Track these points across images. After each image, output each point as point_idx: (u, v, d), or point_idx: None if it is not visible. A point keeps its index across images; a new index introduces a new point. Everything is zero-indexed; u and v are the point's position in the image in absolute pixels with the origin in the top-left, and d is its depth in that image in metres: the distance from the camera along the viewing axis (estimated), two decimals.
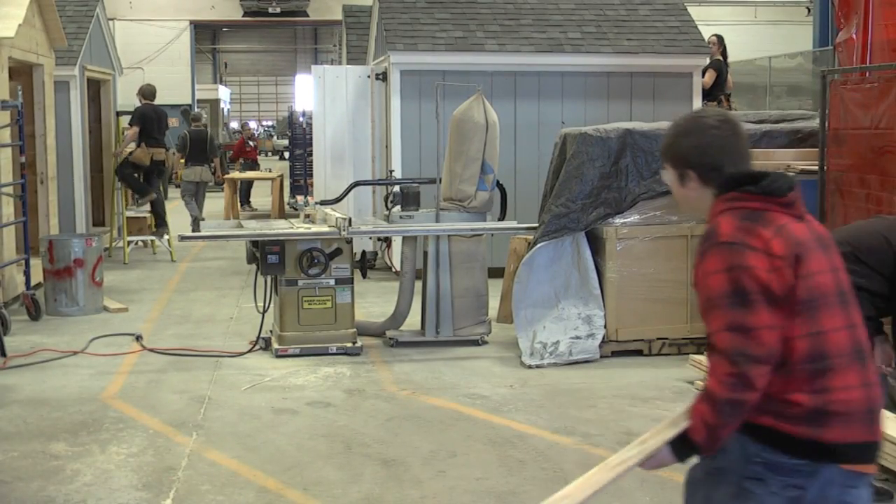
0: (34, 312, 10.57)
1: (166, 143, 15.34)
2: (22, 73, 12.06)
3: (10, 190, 10.61)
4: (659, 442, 3.24)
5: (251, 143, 24.90)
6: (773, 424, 3.15)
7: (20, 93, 10.97)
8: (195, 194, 18.02)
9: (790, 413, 3.13)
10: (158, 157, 14.79)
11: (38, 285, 11.20)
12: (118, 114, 15.83)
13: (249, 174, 23.01)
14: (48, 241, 11.03)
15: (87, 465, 6.25)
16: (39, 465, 6.26)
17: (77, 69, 14.40)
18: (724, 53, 14.12)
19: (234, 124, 52.97)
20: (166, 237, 15.27)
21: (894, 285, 5.08)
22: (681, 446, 3.22)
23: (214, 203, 22.05)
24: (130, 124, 15.00)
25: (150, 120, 14.87)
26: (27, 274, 10.75)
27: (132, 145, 14.81)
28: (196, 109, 20.69)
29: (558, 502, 3.13)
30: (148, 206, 15.19)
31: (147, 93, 15.26)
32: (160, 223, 15.31)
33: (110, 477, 6.05)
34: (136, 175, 14.81)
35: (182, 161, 18.18)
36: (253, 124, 52.13)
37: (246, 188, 23.33)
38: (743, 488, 3.21)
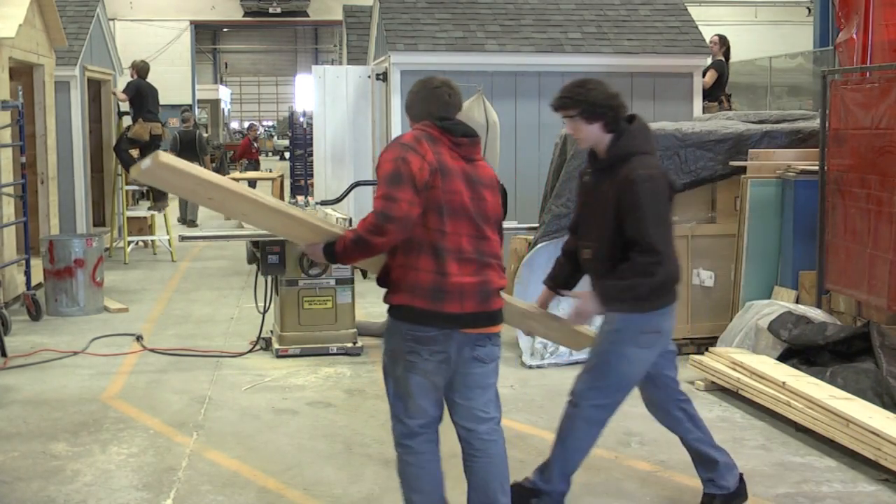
0: (35, 312, 10.57)
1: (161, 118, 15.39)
2: (22, 73, 12.06)
3: (10, 190, 10.62)
4: (319, 239, 4.65)
5: (255, 144, 24.98)
6: (409, 301, 4.48)
7: (21, 93, 10.97)
8: None
9: (417, 291, 4.44)
10: (156, 132, 14.85)
11: (39, 285, 11.20)
12: (120, 114, 15.82)
13: (249, 174, 23.10)
14: (48, 241, 11.03)
15: (88, 465, 6.25)
16: (40, 465, 6.26)
17: (77, 69, 14.40)
18: (726, 54, 14.10)
19: (235, 124, 53.01)
20: (166, 237, 15.29)
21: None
22: (328, 250, 4.58)
23: None
24: (124, 92, 15.14)
25: (144, 95, 14.93)
26: (28, 274, 10.75)
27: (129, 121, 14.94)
28: (186, 111, 20.85)
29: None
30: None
31: (141, 69, 15.30)
32: (159, 196, 15.32)
33: (111, 477, 6.05)
34: (132, 154, 14.86)
35: None
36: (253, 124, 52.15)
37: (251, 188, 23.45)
38: (408, 361, 4.54)
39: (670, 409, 5.56)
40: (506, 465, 4.76)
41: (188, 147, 19.08)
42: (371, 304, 10.96)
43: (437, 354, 4.49)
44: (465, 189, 4.49)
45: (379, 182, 4.43)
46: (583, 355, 8.60)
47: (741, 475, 5.60)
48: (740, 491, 5.55)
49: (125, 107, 15.40)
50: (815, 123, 9.13)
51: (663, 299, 5.10)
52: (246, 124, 52.87)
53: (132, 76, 15.27)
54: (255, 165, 24.75)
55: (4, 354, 8.96)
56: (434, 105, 4.64)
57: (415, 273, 4.45)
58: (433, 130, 4.55)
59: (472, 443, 4.69)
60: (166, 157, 4.37)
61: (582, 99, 5.03)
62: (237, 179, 21.21)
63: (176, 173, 4.39)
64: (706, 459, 5.52)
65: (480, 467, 4.70)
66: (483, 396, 4.67)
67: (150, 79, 15.37)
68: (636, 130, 5.07)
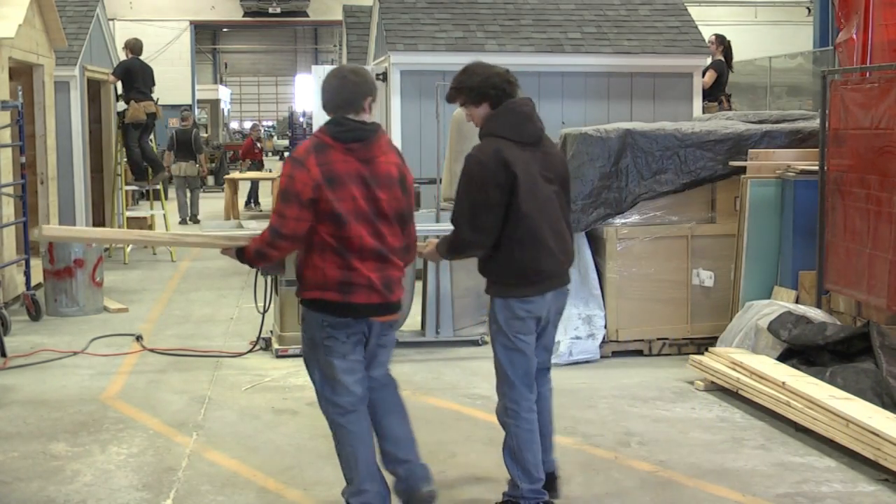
0: (34, 313, 10.57)
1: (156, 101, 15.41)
2: (22, 73, 12.06)
3: (10, 190, 10.61)
4: (233, 244, 5.25)
5: (259, 144, 25.01)
6: (321, 296, 4.89)
7: (20, 93, 10.97)
8: (185, 188, 19.98)
9: (329, 286, 4.86)
10: (150, 110, 14.87)
11: (39, 286, 11.20)
12: (121, 122, 15.80)
13: (250, 174, 23.19)
14: (48, 241, 11.03)
15: (88, 465, 6.26)
16: (39, 465, 6.26)
17: (77, 69, 14.40)
18: (727, 54, 14.11)
19: (235, 124, 53.00)
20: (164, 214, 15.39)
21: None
22: (240, 255, 5.17)
23: (215, 203, 22.09)
24: (113, 74, 15.20)
25: (134, 74, 14.94)
26: (27, 274, 10.75)
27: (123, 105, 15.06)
28: (186, 111, 21.12)
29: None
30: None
31: (134, 47, 15.31)
32: (157, 168, 15.38)
33: (110, 477, 6.06)
34: (138, 149, 14.91)
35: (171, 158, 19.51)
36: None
37: (254, 189, 23.57)
38: (326, 346, 4.93)
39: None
40: (401, 401, 5.37)
41: (184, 146, 19.77)
42: None
43: (354, 336, 4.95)
44: (360, 192, 4.84)
45: (276, 196, 4.94)
46: (583, 355, 8.65)
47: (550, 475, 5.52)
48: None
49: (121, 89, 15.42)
50: (815, 123, 9.13)
51: (522, 288, 5.23)
52: (247, 124, 52.96)
53: (126, 55, 15.29)
54: (259, 166, 24.79)
55: (4, 354, 8.96)
56: (341, 104, 4.94)
57: (323, 271, 4.87)
58: (325, 138, 4.88)
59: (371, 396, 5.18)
60: (49, 229, 5.33)
61: (464, 86, 5.35)
62: (237, 179, 21.25)
63: (66, 237, 5.24)
64: None
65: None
66: (383, 369, 5.24)
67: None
68: (500, 112, 5.27)
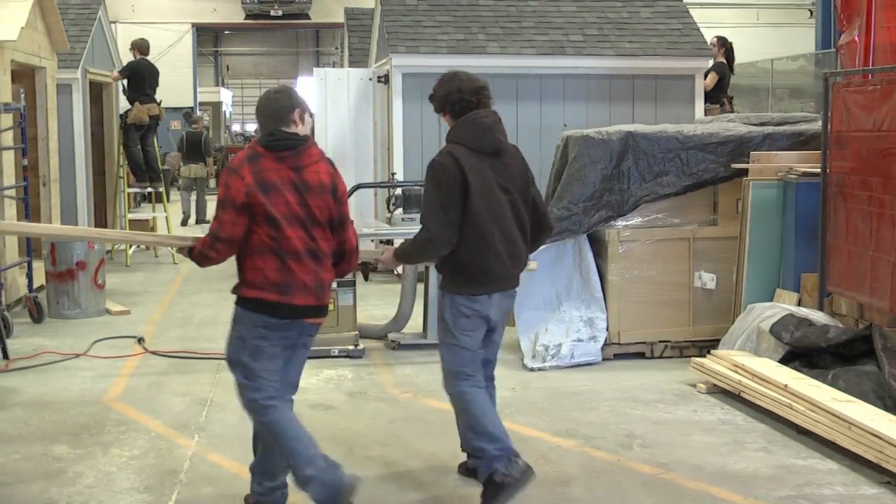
0: (36, 315, 10.58)
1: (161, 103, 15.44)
2: (24, 75, 12.07)
3: (12, 192, 10.61)
4: (182, 244, 5.62)
5: None
6: (259, 295, 5.16)
7: (22, 95, 10.98)
8: (191, 190, 20.18)
9: (268, 287, 5.14)
10: (153, 113, 14.90)
11: (41, 288, 11.20)
12: (123, 115, 15.82)
13: None
14: (50, 243, 11.02)
15: (90, 467, 6.26)
16: (41, 467, 6.26)
17: (79, 72, 14.41)
18: (728, 56, 14.11)
19: (237, 127, 52.93)
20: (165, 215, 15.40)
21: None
22: (189, 255, 5.41)
23: (214, 205, 22.07)
24: (119, 72, 15.26)
25: (141, 75, 14.98)
26: (29, 276, 10.76)
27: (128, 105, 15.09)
28: (189, 113, 21.24)
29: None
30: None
31: (142, 47, 15.35)
32: (154, 177, 15.38)
33: (112, 479, 6.06)
34: (138, 149, 14.93)
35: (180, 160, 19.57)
36: (255, 126, 52.04)
37: None
38: (256, 346, 5.21)
39: None
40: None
41: (194, 147, 19.93)
42: (373, 307, 10.98)
43: (284, 340, 5.26)
44: (293, 198, 5.17)
45: (216, 203, 5.30)
46: (585, 358, 8.64)
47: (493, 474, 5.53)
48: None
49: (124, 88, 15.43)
50: (817, 126, 9.13)
51: (470, 287, 5.63)
52: (249, 127, 52.90)
53: (134, 56, 15.30)
54: None
55: (6, 357, 8.96)
56: (270, 119, 5.32)
57: (263, 272, 5.16)
58: (258, 148, 5.26)
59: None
60: (5, 225, 6.09)
61: (433, 95, 5.90)
62: None
63: (20, 231, 5.64)
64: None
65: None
66: (299, 371, 5.51)
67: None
68: (461, 123, 5.72)
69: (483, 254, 5.55)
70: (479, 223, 5.52)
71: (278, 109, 5.29)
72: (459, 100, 5.74)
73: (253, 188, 5.10)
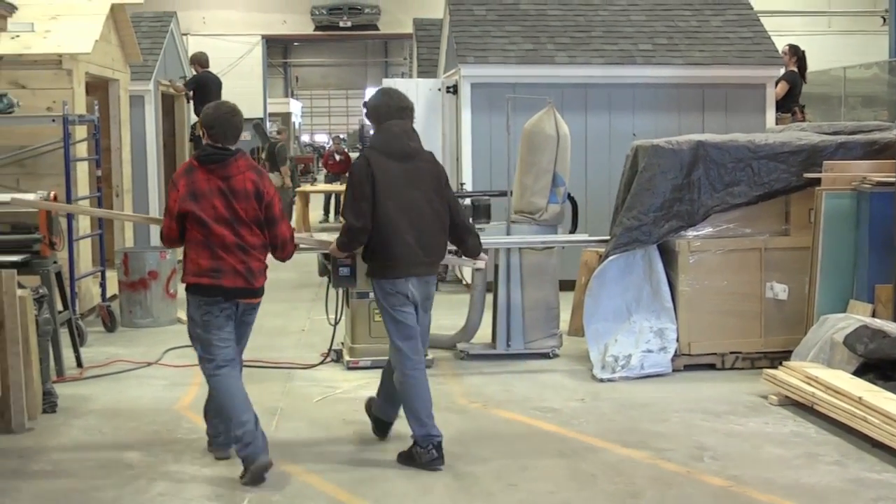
0: (110, 324, 10.72)
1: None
2: (98, 87, 12.25)
3: (86, 203, 10.77)
4: (156, 224, 7.23)
5: (337, 156, 25.18)
6: (197, 280, 6.21)
7: (96, 107, 11.14)
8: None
9: (203, 273, 6.18)
10: None
11: (114, 297, 11.35)
12: (193, 127, 15.99)
13: (321, 187, 23.48)
14: (123, 253, 11.19)
15: (161, 475, 6.32)
16: (114, 474, 6.34)
17: (151, 84, 14.60)
18: (800, 65, 13.95)
19: (305, 137, 53.33)
20: None
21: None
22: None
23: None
24: (185, 86, 15.48)
25: (207, 88, 15.13)
26: (103, 286, 10.91)
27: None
28: (267, 123, 21.58)
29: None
30: None
31: (202, 60, 15.60)
32: None
33: (184, 488, 6.11)
34: None
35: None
36: (324, 137, 52.45)
37: (334, 201, 23.93)
38: (204, 321, 6.30)
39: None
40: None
41: (269, 158, 20.70)
42: (441, 317, 10.95)
43: (225, 311, 6.29)
44: (220, 203, 6.16)
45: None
46: (655, 368, 8.58)
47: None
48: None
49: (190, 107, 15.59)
50: (892, 134, 9.00)
51: (383, 270, 6.50)
52: (318, 137, 53.28)
53: (196, 71, 15.47)
54: (335, 178, 25.06)
55: (80, 365, 9.08)
56: (216, 135, 6.31)
57: (197, 262, 6.19)
58: (193, 162, 6.31)
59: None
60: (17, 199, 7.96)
61: (366, 104, 6.74)
62: (308, 192, 21.40)
63: (40, 205, 8.13)
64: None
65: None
66: (243, 346, 6.63)
67: (223, 93, 15.51)
68: (378, 130, 6.67)
69: (391, 241, 6.38)
70: (385, 214, 6.37)
71: (226, 133, 6.32)
72: (386, 113, 6.60)
73: (185, 197, 6.16)
